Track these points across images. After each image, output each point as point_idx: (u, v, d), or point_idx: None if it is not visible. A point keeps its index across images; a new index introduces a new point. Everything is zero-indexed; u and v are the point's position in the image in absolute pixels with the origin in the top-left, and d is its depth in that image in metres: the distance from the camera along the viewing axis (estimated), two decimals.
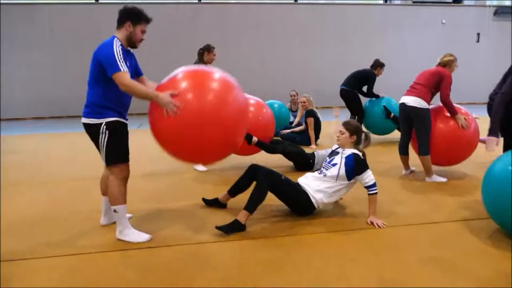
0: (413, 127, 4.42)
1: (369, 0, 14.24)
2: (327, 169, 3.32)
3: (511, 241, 2.77)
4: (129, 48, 2.91)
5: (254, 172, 3.35)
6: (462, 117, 4.27)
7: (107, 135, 2.79)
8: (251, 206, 3.05)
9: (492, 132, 3.46)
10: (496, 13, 13.51)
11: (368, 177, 3.20)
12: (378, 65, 6.75)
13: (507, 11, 13.58)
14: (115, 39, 2.79)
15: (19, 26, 11.84)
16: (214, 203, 3.57)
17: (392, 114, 6.63)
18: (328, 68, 12.97)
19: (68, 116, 11.96)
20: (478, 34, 13.29)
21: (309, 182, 3.33)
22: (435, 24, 13.49)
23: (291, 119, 7.70)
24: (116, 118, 2.83)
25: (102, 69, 2.73)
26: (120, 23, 2.85)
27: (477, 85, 12.20)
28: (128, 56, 2.84)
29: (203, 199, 3.61)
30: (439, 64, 4.42)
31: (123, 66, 2.69)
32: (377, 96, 6.86)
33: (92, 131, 2.82)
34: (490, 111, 3.61)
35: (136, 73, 3.01)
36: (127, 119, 2.94)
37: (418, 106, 4.29)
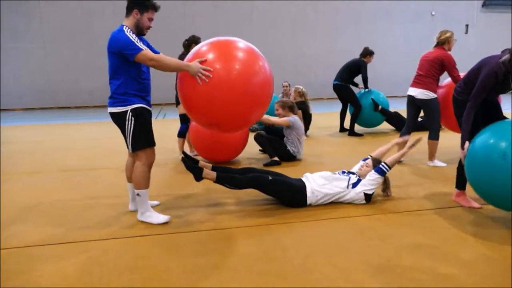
0: (424, 114, 4.67)
1: None
2: (342, 173, 3.52)
3: (493, 227, 2.90)
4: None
5: (247, 172, 3.43)
6: None
7: (133, 122, 2.90)
8: (220, 179, 3.23)
9: (464, 140, 3.11)
10: (484, 5, 13.64)
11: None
12: (367, 53, 6.82)
13: (494, 3, 13.71)
14: (124, 26, 2.88)
15: (7, 16, 11.67)
16: (192, 161, 3.39)
17: (380, 107, 6.73)
18: (320, 58, 13.01)
19: (58, 107, 11.88)
20: (467, 25, 13.41)
21: (315, 178, 3.44)
22: (424, 15, 13.59)
23: None
24: (141, 105, 2.94)
25: (121, 59, 2.82)
26: (128, 11, 2.92)
27: None
28: (140, 40, 2.90)
29: (183, 152, 3.53)
30: (437, 43, 4.53)
31: (142, 46, 2.80)
32: (367, 86, 6.94)
33: (119, 119, 2.94)
34: (452, 101, 3.42)
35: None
36: (151, 106, 3.05)
37: (426, 98, 4.50)
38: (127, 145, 3.03)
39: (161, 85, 11.60)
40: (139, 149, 2.99)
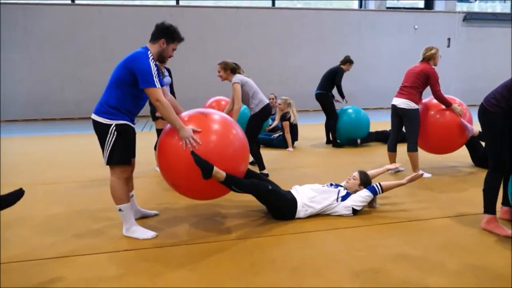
0: (403, 126, 4.74)
1: (345, 1, 14.51)
2: (330, 186, 3.52)
3: (479, 237, 2.93)
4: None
5: (248, 175, 3.35)
6: (456, 105, 4.63)
7: (114, 136, 2.90)
8: (229, 180, 2.97)
9: None
10: (465, 19, 13.98)
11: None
12: (347, 61, 6.85)
13: (475, 17, 14.06)
14: (149, 52, 2.92)
15: None
16: None
17: (359, 140, 6.69)
18: (305, 70, 13.13)
19: (43, 119, 11.68)
20: (449, 39, 13.71)
21: (304, 190, 3.44)
22: (408, 29, 13.85)
23: (270, 122, 7.78)
24: (126, 122, 2.94)
25: (131, 77, 2.84)
26: (155, 39, 2.99)
27: (448, 90, 12.57)
28: (157, 70, 2.93)
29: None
30: (423, 59, 4.65)
31: (157, 83, 2.83)
32: (343, 95, 6.91)
33: (101, 130, 2.93)
34: (479, 111, 3.10)
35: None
36: (135, 123, 3.06)
37: (407, 108, 4.59)
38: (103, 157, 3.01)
39: None
40: (114, 164, 2.97)
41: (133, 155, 3.17)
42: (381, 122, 8.32)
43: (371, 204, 3.57)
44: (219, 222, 3.33)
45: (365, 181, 3.59)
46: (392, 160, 4.87)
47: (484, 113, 3.04)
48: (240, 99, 4.57)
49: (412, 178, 3.57)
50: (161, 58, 3.03)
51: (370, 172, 3.79)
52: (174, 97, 5.31)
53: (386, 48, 13.69)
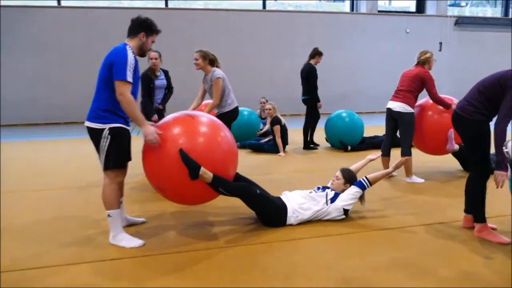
0: (398, 130, 4.74)
1: (336, 4, 14.55)
2: (316, 192, 3.45)
3: (471, 243, 2.90)
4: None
5: (236, 179, 3.31)
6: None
7: (108, 140, 2.86)
8: (216, 181, 2.91)
9: (502, 164, 2.71)
10: (456, 23, 14.09)
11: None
12: (316, 53, 6.72)
13: (466, 21, 14.18)
14: (128, 47, 2.90)
15: None
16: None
17: (349, 147, 6.62)
18: (297, 74, 13.12)
19: (27, 124, 11.46)
20: (440, 43, 13.81)
21: (294, 196, 3.38)
22: (400, 33, 13.92)
23: (261, 126, 7.75)
24: (119, 124, 2.90)
25: (111, 73, 2.80)
26: (134, 33, 2.99)
27: (440, 94, 12.60)
28: (136, 66, 2.91)
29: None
30: (418, 63, 4.65)
31: (130, 77, 2.79)
32: (317, 98, 6.75)
33: (95, 135, 2.90)
34: (456, 120, 3.07)
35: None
36: (129, 125, 3.02)
37: (403, 111, 4.58)
38: (99, 162, 2.95)
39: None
40: (110, 168, 2.91)
41: (129, 158, 3.10)
42: (374, 127, 8.33)
43: (361, 201, 3.50)
44: (208, 229, 3.27)
45: (348, 178, 3.52)
46: (386, 164, 4.82)
47: (465, 121, 2.97)
48: (220, 95, 4.53)
49: (397, 165, 3.60)
50: (141, 52, 3.01)
51: (353, 167, 3.76)
52: (168, 99, 5.26)
53: (377, 52, 13.74)
